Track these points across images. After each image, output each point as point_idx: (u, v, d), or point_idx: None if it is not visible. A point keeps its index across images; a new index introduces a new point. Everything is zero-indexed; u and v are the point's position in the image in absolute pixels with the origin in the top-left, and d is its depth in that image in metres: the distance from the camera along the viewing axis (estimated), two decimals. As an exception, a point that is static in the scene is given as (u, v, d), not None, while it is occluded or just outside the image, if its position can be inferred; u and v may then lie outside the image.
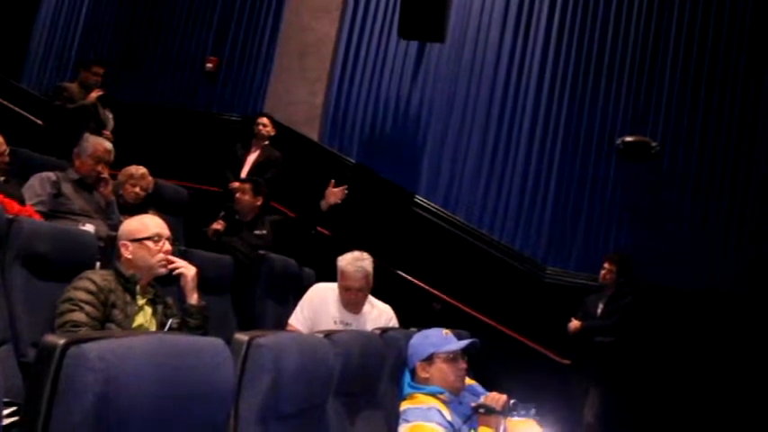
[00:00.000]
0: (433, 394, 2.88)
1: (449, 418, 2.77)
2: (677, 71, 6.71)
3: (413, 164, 7.15)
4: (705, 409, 5.74)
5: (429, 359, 2.97)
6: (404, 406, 2.85)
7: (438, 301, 6.53)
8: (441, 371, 2.95)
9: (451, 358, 2.97)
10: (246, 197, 5.31)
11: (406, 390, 2.94)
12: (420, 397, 2.87)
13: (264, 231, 5.26)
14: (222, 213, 5.61)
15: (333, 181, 5.05)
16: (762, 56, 6.52)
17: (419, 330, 3.19)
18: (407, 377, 3.00)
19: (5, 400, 1.12)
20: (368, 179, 6.96)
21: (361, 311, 3.93)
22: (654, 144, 6.58)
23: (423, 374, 2.97)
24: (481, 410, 2.81)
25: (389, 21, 7.39)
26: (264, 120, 6.34)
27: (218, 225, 5.41)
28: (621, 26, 6.89)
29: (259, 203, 5.37)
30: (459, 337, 3.12)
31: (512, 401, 2.84)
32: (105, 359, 1.18)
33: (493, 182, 7.03)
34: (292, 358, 1.83)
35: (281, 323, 4.18)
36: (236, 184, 5.76)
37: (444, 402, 2.86)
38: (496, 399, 2.84)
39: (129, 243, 2.75)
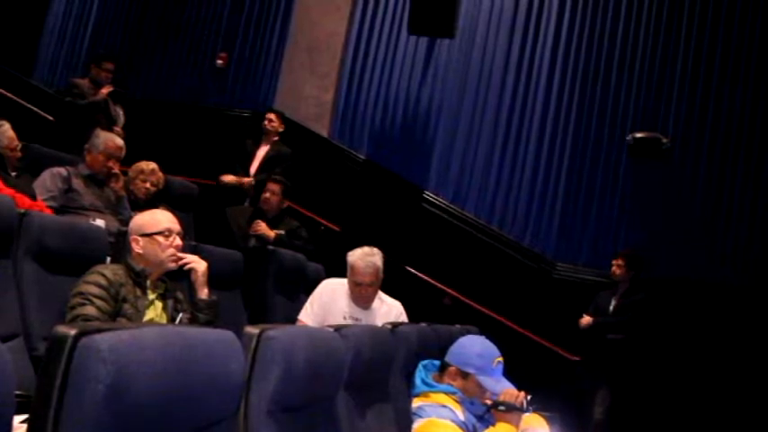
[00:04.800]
0: (446, 393, 2.86)
1: (462, 417, 2.75)
2: (688, 66, 6.66)
3: (422, 159, 7.14)
4: (716, 406, 5.71)
5: (465, 374, 2.92)
6: (417, 402, 2.83)
7: (448, 297, 6.53)
8: (468, 390, 2.90)
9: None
10: (276, 198, 5.46)
11: (420, 387, 2.91)
12: (434, 395, 2.85)
13: (282, 232, 5.37)
14: (252, 208, 5.71)
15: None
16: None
17: (429, 325, 3.17)
18: (422, 373, 2.96)
19: (16, 392, 1.12)
20: (377, 175, 6.96)
21: (370, 307, 3.94)
22: (665, 140, 6.54)
23: (450, 379, 2.92)
24: (501, 408, 2.79)
25: (399, 16, 7.38)
26: (272, 115, 6.35)
27: (270, 232, 5.35)
28: (632, 20, 6.85)
29: (285, 206, 5.55)
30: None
31: (528, 397, 2.82)
32: (116, 350, 1.18)
33: (503, 177, 7.01)
34: (303, 351, 1.83)
35: (291, 318, 4.19)
36: (246, 180, 5.86)
37: (457, 402, 2.84)
38: (515, 395, 2.81)
39: (139, 238, 2.76)
